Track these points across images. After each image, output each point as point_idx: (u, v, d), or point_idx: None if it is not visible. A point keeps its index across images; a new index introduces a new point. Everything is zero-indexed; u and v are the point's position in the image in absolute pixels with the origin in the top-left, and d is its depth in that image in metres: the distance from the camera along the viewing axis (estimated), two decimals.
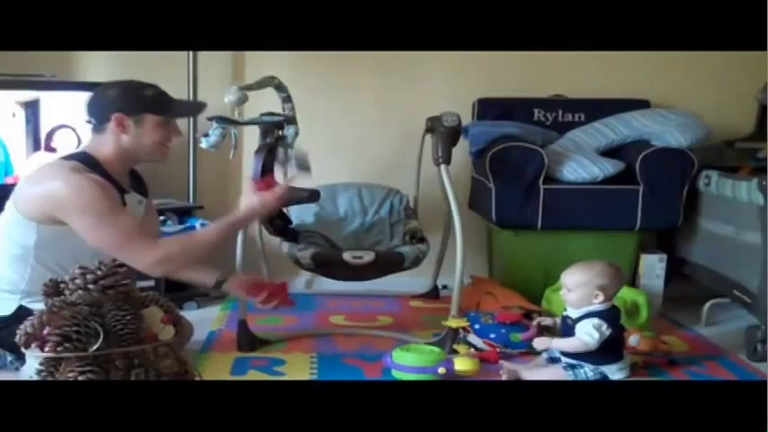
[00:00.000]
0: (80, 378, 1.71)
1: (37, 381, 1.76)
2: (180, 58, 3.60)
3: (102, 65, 2.92)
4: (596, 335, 2.55)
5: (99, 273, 1.82)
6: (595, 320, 2.57)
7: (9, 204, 2.45)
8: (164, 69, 3.40)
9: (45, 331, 1.78)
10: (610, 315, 2.61)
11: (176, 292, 3.40)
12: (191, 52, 3.61)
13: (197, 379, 1.92)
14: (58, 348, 1.73)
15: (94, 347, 1.73)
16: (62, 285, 1.85)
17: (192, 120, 3.65)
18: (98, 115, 2.49)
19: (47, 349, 1.75)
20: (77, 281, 1.81)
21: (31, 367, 1.83)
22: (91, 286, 1.79)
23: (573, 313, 2.65)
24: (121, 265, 1.94)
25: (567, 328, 2.66)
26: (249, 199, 2.55)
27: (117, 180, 2.50)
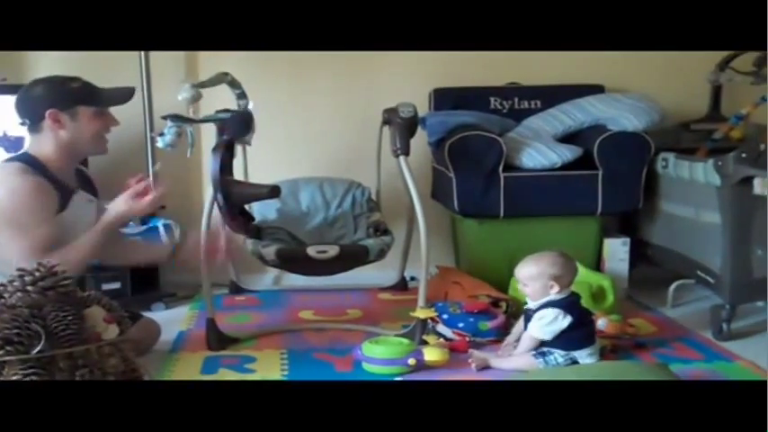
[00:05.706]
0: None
1: None
2: (132, 56, 3.41)
3: (52, 67, 2.80)
4: (547, 329, 2.48)
5: (37, 274, 1.71)
6: (550, 311, 2.49)
7: None
8: (116, 68, 3.26)
9: None
10: (567, 303, 2.53)
11: (144, 293, 3.30)
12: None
13: (145, 377, 1.81)
14: (0, 352, 1.61)
15: (36, 349, 1.61)
16: (0, 288, 1.72)
17: (147, 119, 3.47)
18: (31, 114, 2.39)
19: None
20: (15, 283, 1.70)
21: None
22: (30, 288, 1.69)
23: (533, 305, 2.56)
24: None
25: (529, 321, 2.57)
26: (117, 204, 2.48)
27: (63, 180, 2.40)
